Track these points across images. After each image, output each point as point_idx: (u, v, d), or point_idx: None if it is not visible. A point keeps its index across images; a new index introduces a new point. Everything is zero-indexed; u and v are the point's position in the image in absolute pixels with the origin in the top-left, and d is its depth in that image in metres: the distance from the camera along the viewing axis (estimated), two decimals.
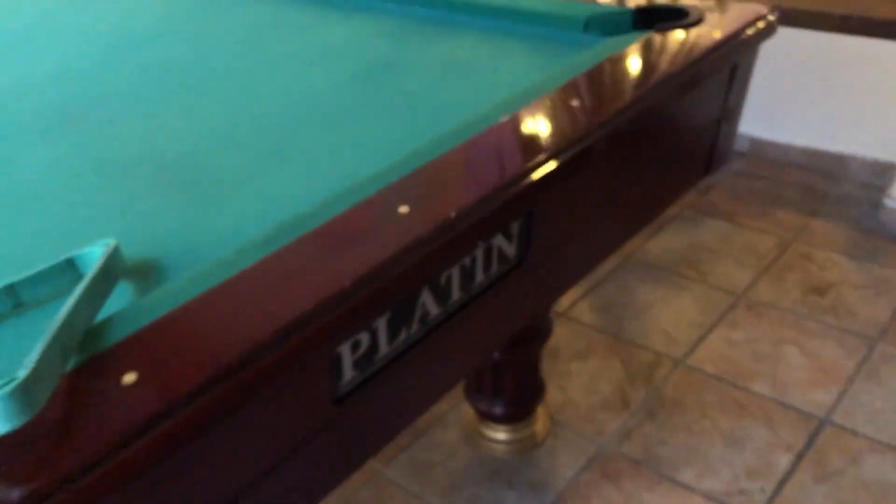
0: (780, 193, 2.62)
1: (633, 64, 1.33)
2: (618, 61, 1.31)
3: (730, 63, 1.38)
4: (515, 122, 1.13)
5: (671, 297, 2.19)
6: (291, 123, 1.26)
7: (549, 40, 1.51)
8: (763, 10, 1.42)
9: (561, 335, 2.08)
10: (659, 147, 1.32)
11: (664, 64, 1.31)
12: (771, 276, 2.24)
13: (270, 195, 1.06)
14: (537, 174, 1.03)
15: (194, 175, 1.14)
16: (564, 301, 2.21)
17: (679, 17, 1.41)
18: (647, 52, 1.34)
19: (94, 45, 1.64)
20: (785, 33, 2.58)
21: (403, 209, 0.91)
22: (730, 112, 1.47)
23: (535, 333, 1.68)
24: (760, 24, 1.40)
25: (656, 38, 1.36)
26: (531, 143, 1.08)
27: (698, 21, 1.39)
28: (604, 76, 1.28)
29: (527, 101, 1.19)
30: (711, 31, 1.37)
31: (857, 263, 2.27)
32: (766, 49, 2.65)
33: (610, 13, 1.48)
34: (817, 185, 2.65)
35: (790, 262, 2.30)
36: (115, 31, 1.73)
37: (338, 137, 1.21)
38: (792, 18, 2.57)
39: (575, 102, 1.15)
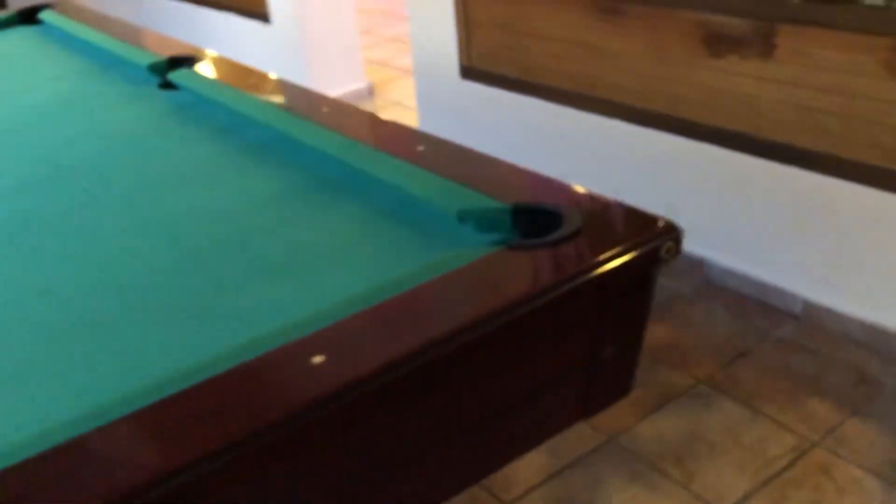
0: (824, 376, 2.19)
1: (468, 287, 1.09)
2: (450, 281, 1.07)
3: (601, 292, 1.10)
4: (255, 368, 0.92)
5: (641, 502, 1.85)
6: (60, 326, 1.13)
7: (422, 229, 1.31)
8: (661, 226, 1.14)
9: None
10: (485, 394, 1.06)
11: (501, 291, 1.07)
12: (771, 492, 1.85)
13: None
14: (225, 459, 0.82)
15: None
16: (519, 484, 1.93)
17: (556, 222, 1.16)
18: (492, 271, 1.10)
19: None
20: (848, 186, 2.19)
21: None
22: (612, 348, 1.18)
23: None
24: (650, 248, 1.11)
25: (514, 252, 1.12)
26: (252, 405, 0.87)
27: (571, 235, 1.12)
28: (422, 298, 1.05)
29: (322, 323, 1.00)
30: (583, 249, 1.11)
31: (889, 492, 1.83)
32: (826, 197, 2.26)
33: (483, 210, 1.24)
34: (872, 370, 2.20)
35: (803, 474, 1.89)
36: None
37: (82, 356, 1.06)
38: (852, 172, 2.19)
39: (320, 359, 0.92)
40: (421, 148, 1.52)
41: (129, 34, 2.63)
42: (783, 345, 2.33)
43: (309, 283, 1.18)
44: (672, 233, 1.13)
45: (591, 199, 1.23)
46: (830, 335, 2.34)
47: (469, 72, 3.26)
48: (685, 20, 2.41)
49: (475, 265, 1.08)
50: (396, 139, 1.61)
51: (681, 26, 2.43)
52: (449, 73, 3.34)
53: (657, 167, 2.70)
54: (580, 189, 1.27)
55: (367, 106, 4.44)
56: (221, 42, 4.99)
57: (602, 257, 1.08)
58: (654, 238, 1.11)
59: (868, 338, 2.28)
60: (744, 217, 2.51)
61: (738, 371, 2.24)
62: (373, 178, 1.45)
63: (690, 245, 2.66)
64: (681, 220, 2.74)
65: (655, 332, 2.43)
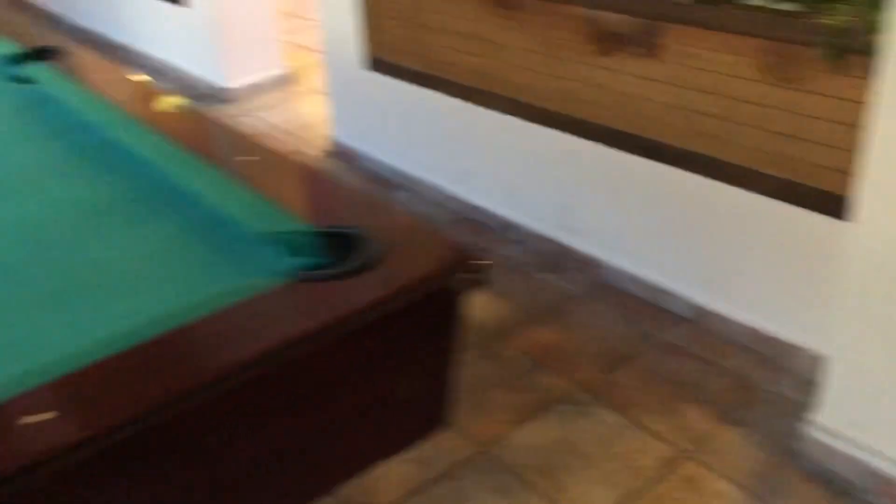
0: (705, 382, 2.17)
1: (240, 325, 1.01)
2: (223, 318, 1.00)
3: (389, 328, 1.04)
4: None
5: None
6: None
7: (228, 251, 1.23)
8: (460, 260, 1.07)
9: None
10: (256, 441, 0.99)
11: (271, 330, 1.00)
12: None
13: None
14: None
15: None
16: (381, 498, 1.87)
17: (351, 250, 1.09)
18: (268, 308, 1.03)
19: None
20: (730, 189, 2.15)
21: None
22: (410, 385, 1.11)
23: None
24: (443, 284, 1.05)
25: (298, 286, 1.05)
26: None
27: (360, 268, 1.06)
28: (185, 340, 0.98)
29: (72, 367, 0.92)
30: (366, 285, 1.04)
31: (753, 503, 1.81)
32: (710, 200, 2.22)
33: (289, 233, 1.17)
34: (753, 376, 2.18)
35: (670, 487, 1.86)
36: None
37: None
38: (733, 176, 2.16)
39: (50, 416, 0.85)
40: (249, 159, 1.44)
41: (3, 22, 2.50)
42: (670, 349, 2.30)
43: (87, 314, 1.10)
44: (471, 266, 1.06)
45: (399, 224, 1.16)
46: (719, 340, 2.31)
47: (374, 63, 3.17)
48: (575, 16, 2.35)
49: (255, 301, 1.01)
50: (230, 148, 1.52)
51: (571, 23, 2.36)
52: (356, 63, 3.25)
53: (552, 166, 2.64)
54: (396, 212, 1.21)
55: (281, 94, 4.32)
56: (142, 25, 4.83)
57: (385, 294, 1.02)
58: (448, 273, 1.05)
59: (754, 343, 2.26)
60: (635, 218, 2.47)
61: (619, 377, 2.21)
62: (193, 191, 1.37)
63: (584, 244, 2.64)
64: (575, 219, 2.70)
65: (541, 334, 2.39)
